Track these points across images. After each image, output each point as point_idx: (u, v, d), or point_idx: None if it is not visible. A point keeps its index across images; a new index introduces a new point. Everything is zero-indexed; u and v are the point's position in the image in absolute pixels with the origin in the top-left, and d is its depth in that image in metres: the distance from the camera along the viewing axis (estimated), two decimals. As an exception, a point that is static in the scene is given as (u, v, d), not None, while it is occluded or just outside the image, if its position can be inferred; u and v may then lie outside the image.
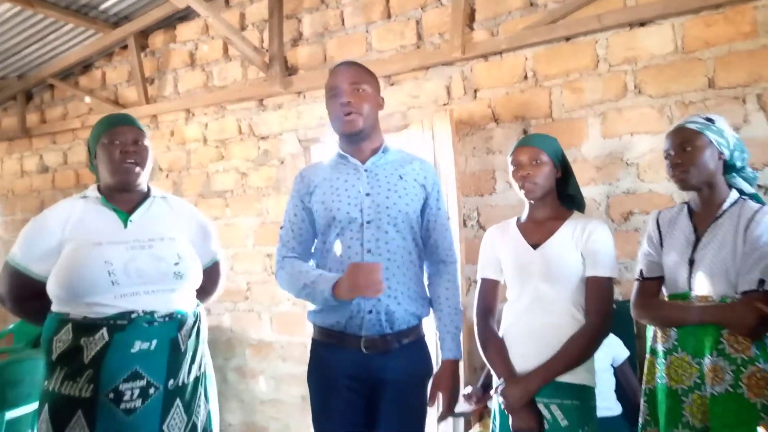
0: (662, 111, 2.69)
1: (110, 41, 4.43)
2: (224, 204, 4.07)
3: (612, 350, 2.42)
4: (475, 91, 3.18)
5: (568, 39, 2.91)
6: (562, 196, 1.87)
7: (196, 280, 1.76)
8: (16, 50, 4.53)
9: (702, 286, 1.65)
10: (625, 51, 2.77)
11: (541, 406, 1.71)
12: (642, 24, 2.73)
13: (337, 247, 1.73)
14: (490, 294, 1.91)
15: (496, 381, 1.82)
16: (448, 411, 1.77)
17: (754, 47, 2.49)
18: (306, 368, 3.82)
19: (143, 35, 4.41)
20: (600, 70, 2.84)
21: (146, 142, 1.75)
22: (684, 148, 1.69)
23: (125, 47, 4.48)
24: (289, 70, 3.80)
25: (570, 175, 1.87)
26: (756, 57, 2.48)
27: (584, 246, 1.74)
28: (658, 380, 1.72)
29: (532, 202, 1.84)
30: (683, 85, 2.64)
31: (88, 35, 4.43)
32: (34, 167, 5.06)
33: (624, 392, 2.44)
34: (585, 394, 1.72)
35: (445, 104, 3.26)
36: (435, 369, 1.81)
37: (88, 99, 4.67)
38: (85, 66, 4.76)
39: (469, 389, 2.62)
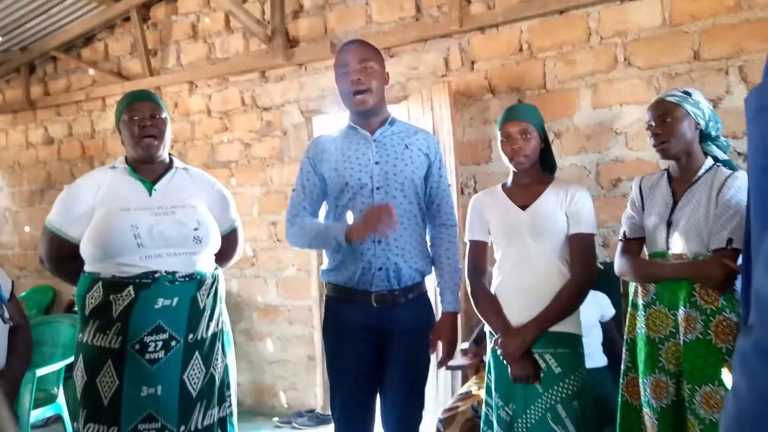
0: (650, 82, 2.81)
1: (112, 14, 4.50)
2: (229, 174, 4.20)
3: (601, 308, 2.60)
4: (472, 62, 3.29)
5: (561, 12, 3.02)
6: (542, 164, 2.00)
7: (215, 244, 1.90)
8: (20, 23, 4.59)
9: (678, 245, 1.81)
10: (615, 24, 2.89)
11: (536, 356, 1.86)
12: (632, -2, 2.84)
13: (349, 217, 1.88)
14: (480, 255, 2.05)
15: (489, 335, 1.98)
16: (448, 357, 1.95)
17: (738, 21, 2.61)
18: (310, 330, 4.00)
19: (145, 7, 4.47)
20: (592, 43, 2.95)
21: (164, 115, 1.88)
22: (664, 119, 1.83)
23: (127, 19, 4.55)
24: (291, 42, 3.89)
25: (548, 143, 2.01)
26: (738, 30, 2.61)
27: (568, 207, 1.89)
28: (639, 331, 1.89)
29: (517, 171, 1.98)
30: (670, 57, 2.76)
31: (90, 7, 4.50)
32: (40, 139, 5.16)
33: (611, 346, 2.63)
34: (574, 342, 1.89)
35: (443, 75, 3.37)
36: (435, 316, 1.98)
37: (92, 72, 4.75)
38: (88, 38, 4.83)
39: (465, 345, 2.81)
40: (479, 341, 2.68)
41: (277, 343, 4.08)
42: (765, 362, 0.44)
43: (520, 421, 1.86)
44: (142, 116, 1.83)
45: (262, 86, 4.06)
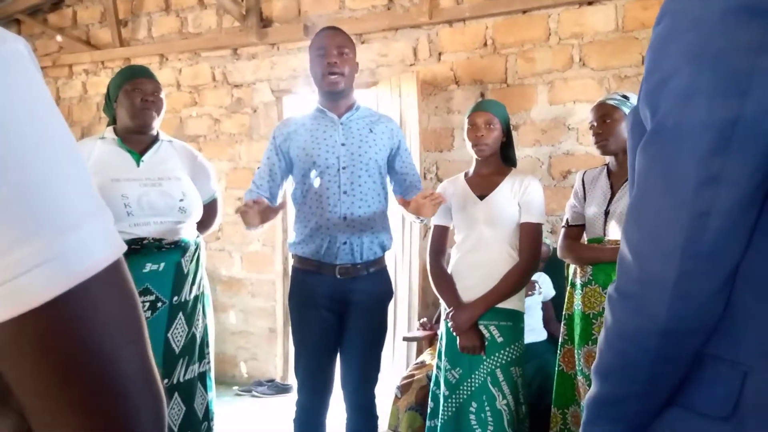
0: (601, 82, 3.05)
1: (83, -19, 4.46)
2: (197, 148, 4.22)
3: (544, 289, 2.85)
4: (440, 54, 3.46)
5: (524, 12, 3.22)
6: (503, 156, 2.21)
7: (198, 214, 2.05)
8: (-15, -16, 4.51)
9: (613, 232, 2.04)
10: (573, 26, 3.11)
11: (481, 327, 2.08)
12: (589, 3, 3.06)
13: (316, 182, 2.03)
14: (442, 237, 2.26)
15: (444, 309, 2.19)
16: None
17: (681, 32, 2.86)
18: (272, 303, 4.14)
19: (116, -23, 4.46)
20: (551, 43, 3.17)
21: (162, 95, 2.02)
22: (604, 120, 2.05)
23: (98, -13, 4.52)
24: (264, 22, 3.97)
25: (511, 138, 2.21)
26: (681, 40, 2.86)
27: (521, 197, 2.09)
28: (575, 307, 2.13)
29: (479, 159, 2.17)
30: (621, 60, 3.00)
31: (60, -27, 4.45)
32: (2, 103, 5.07)
33: (549, 323, 2.90)
34: (516, 317, 2.11)
35: (411, 65, 3.53)
36: (395, 291, 2.17)
37: (59, 38, 4.71)
38: (55, 3, 4.77)
39: (424, 320, 3.03)
40: (438, 320, 2.90)
41: (240, 315, 4.21)
42: (621, 299, 0.65)
43: (465, 384, 2.08)
44: (145, 90, 1.96)
45: (233, 63, 4.13)
